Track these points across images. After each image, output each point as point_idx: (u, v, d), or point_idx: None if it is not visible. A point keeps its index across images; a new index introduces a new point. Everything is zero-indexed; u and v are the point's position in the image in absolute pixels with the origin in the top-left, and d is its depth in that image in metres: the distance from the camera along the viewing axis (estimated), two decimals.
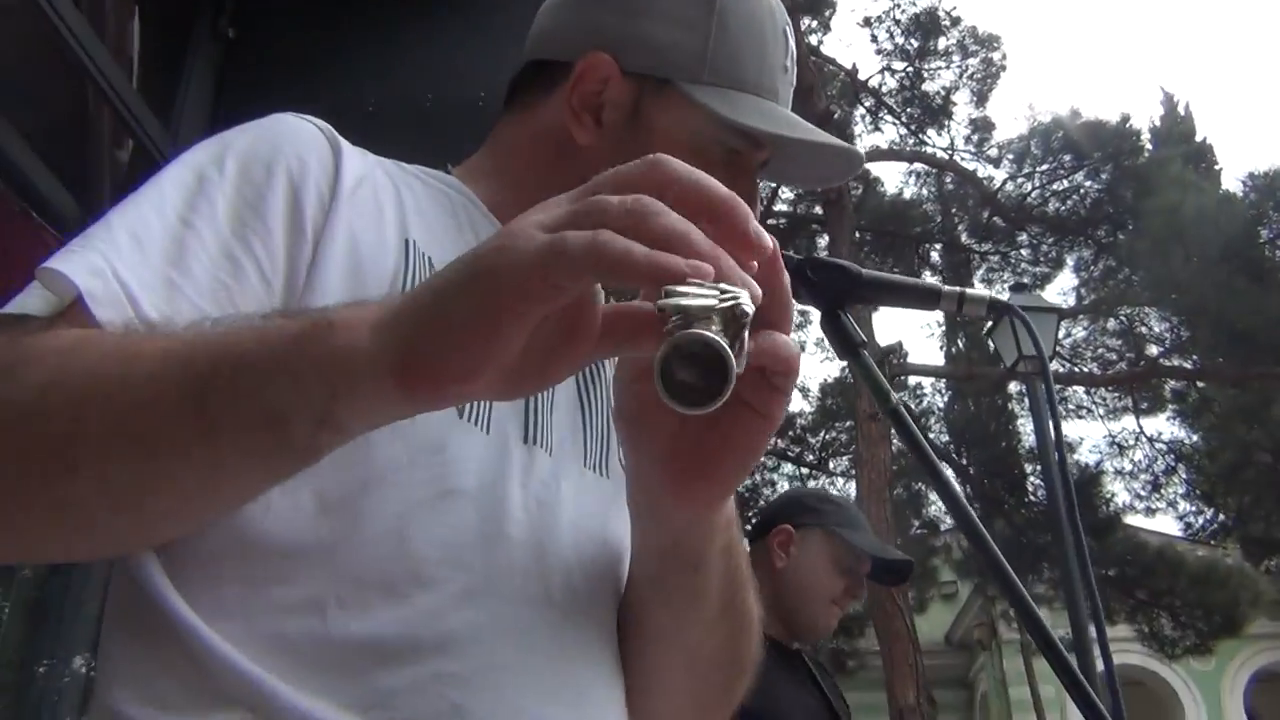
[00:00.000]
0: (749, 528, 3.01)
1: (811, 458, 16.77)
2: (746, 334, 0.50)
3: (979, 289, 0.83)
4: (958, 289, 0.85)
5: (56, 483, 0.60)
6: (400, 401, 0.56)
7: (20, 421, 0.60)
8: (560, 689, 0.76)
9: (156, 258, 0.70)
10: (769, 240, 0.53)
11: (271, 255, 0.76)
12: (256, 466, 0.61)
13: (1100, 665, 6.68)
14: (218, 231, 0.74)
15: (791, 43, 1.00)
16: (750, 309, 0.50)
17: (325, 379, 0.55)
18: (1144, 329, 14.96)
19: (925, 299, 0.87)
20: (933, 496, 16.33)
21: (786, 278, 0.58)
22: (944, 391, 16.96)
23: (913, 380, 16.39)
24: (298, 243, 0.77)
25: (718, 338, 0.47)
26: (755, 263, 0.55)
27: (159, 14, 3.04)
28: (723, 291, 0.49)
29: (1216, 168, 16.35)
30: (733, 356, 0.46)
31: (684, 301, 0.48)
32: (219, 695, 0.66)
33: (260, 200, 0.77)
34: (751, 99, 0.93)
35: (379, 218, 0.84)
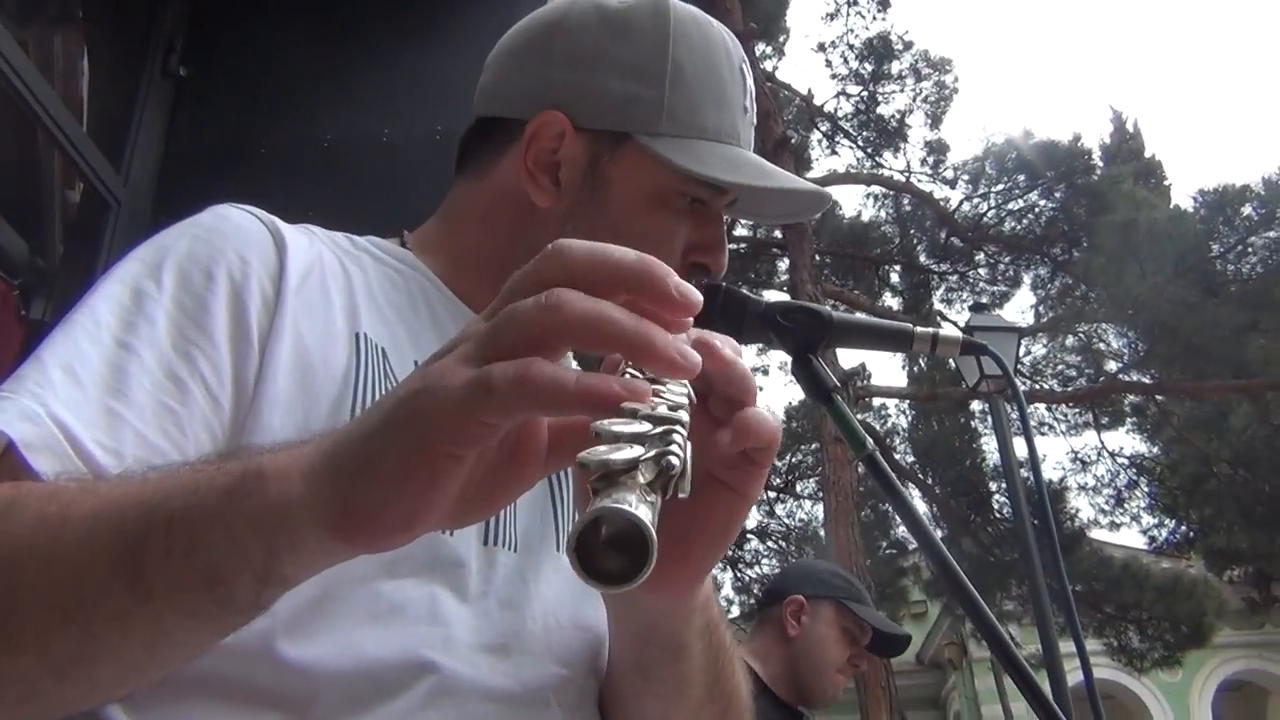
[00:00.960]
0: (760, 595, 3.19)
1: (778, 481, 16.79)
2: (688, 462, 0.47)
3: (950, 331, 0.82)
4: (930, 330, 0.84)
5: None
6: (342, 550, 0.53)
7: None
8: None
9: (95, 389, 0.67)
10: (695, 294, 0.51)
11: (217, 370, 0.73)
12: (200, 626, 0.57)
13: (1071, 680, 6.72)
14: (159, 352, 0.71)
15: (749, 80, 0.97)
16: (680, 452, 0.46)
17: (261, 536, 0.52)
18: (1102, 345, 15.17)
19: (898, 341, 0.85)
20: (900, 517, 16.35)
21: (734, 354, 0.56)
22: (908, 412, 17.07)
23: (877, 401, 16.49)
24: (244, 352, 0.75)
25: (640, 503, 0.42)
26: (690, 319, 0.52)
27: (108, 53, 3.00)
28: (656, 423, 0.46)
29: (1166, 183, 16.65)
30: (654, 532, 0.42)
31: (607, 455, 0.44)
32: None
33: (202, 310, 0.74)
34: (713, 146, 0.90)
35: (328, 312, 0.81)
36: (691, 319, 0.52)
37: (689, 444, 0.48)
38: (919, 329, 0.84)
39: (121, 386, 0.68)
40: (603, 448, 0.44)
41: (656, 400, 0.49)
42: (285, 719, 0.67)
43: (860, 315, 0.87)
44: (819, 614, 2.72)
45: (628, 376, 0.49)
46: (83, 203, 2.84)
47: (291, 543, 0.52)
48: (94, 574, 0.55)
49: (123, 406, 0.67)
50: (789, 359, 0.83)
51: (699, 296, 0.51)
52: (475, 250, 0.94)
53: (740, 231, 15.58)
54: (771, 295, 0.88)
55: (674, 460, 0.45)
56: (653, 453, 0.45)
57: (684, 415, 0.48)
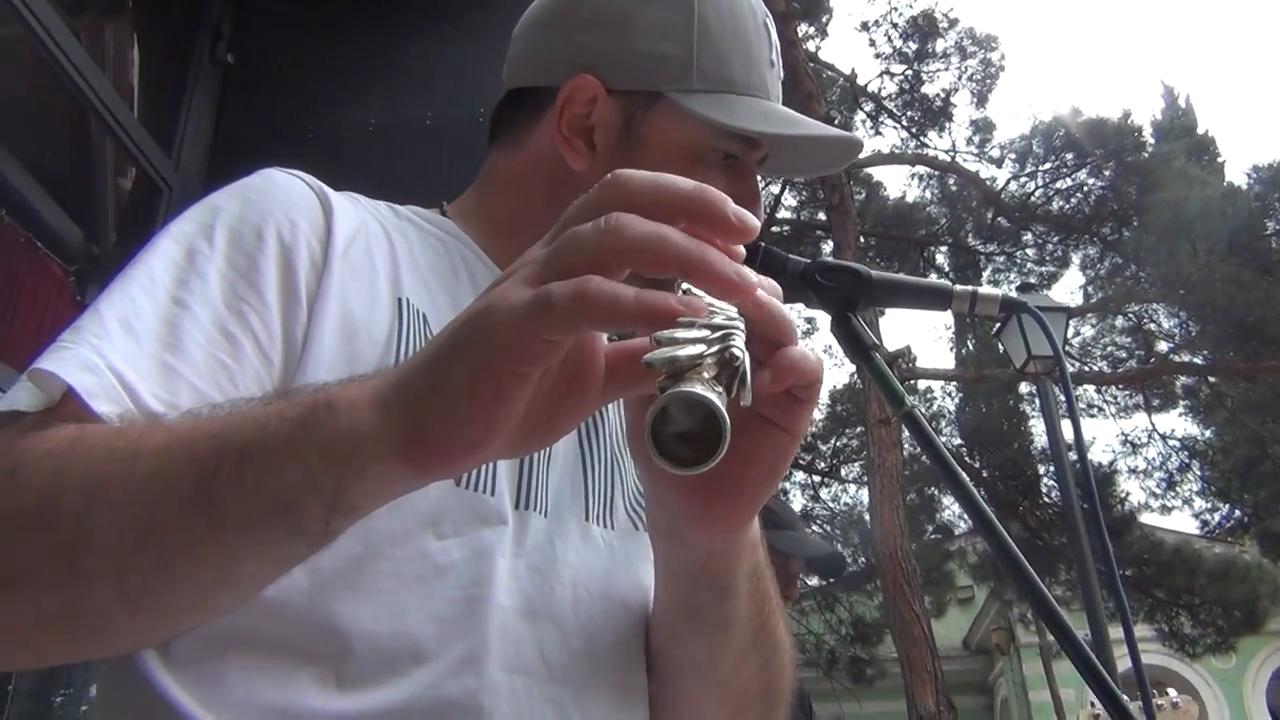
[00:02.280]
0: None
1: (823, 465, 16.72)
2: (747, 367, 0.49)
3: (990, 288, 0.81)
4: (970, 288, 0.84)
5: (70, 590, 0.58)
6: (411, 477, 0.55)
7: (25, 530, 0.58)
8: None
9: (150, 343, 0.69)
10: (751, 220, 0.52)
11: (268, 328, 0.75)
12: (272, 554, 0.59)
13: (1121, 665, 6.64)
14: (212, 308, 0.73)
15: (774, 35, 0.98)
16: (741, 351, 0.48)
17: (332, 465, 0.54)
18: (1153, 325, 14.91)
19: (937, 299, 0.85)
20: (946, 501, 16.28)
21: (775, 296, 0.56)
22: (954, 394, 16.90)
23: (923, 384, 16.35)
24: (293, 311, 0.76)
25: (708, 391, 0.44)
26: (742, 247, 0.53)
27: (158, 43, 3.05)
28: (714, 330, 0.48)
29: (1220, 160, 16.32)
30: (725, 412, 0.44)
31: (673, 352, 0.46)
32: None
33: (253, 269, 0.76)
34: (743, 100, 0.91)
35: (372, 277, 0.82)
36: (744, 249, 0.53)
37: (747, 354, 0.49)
38: (958, 287, 0.84)
39: (176, 341, 0.70)
40: (669, 339, 0.46)
41: (713, 313, 0.50)
42: (319, 674, 0.69)
43: (899, 275, 0.87)
44: None
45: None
46: (135, 189, 2.90)
47: (361, 470, 0.54)
48: (168, 503, 0.56)
49: (178, 361, 0.69)
50: (830, 323, 0.84)
51: (756, 222, 0.52)
52: (513, 216, 0.95)
53: (784, 214, 15.51)
54: None
55: (736, 353, 0.47)
56: (716, 349, 0.46)
57: (740, 324, 0.50)
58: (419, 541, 0.74)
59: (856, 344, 0.81)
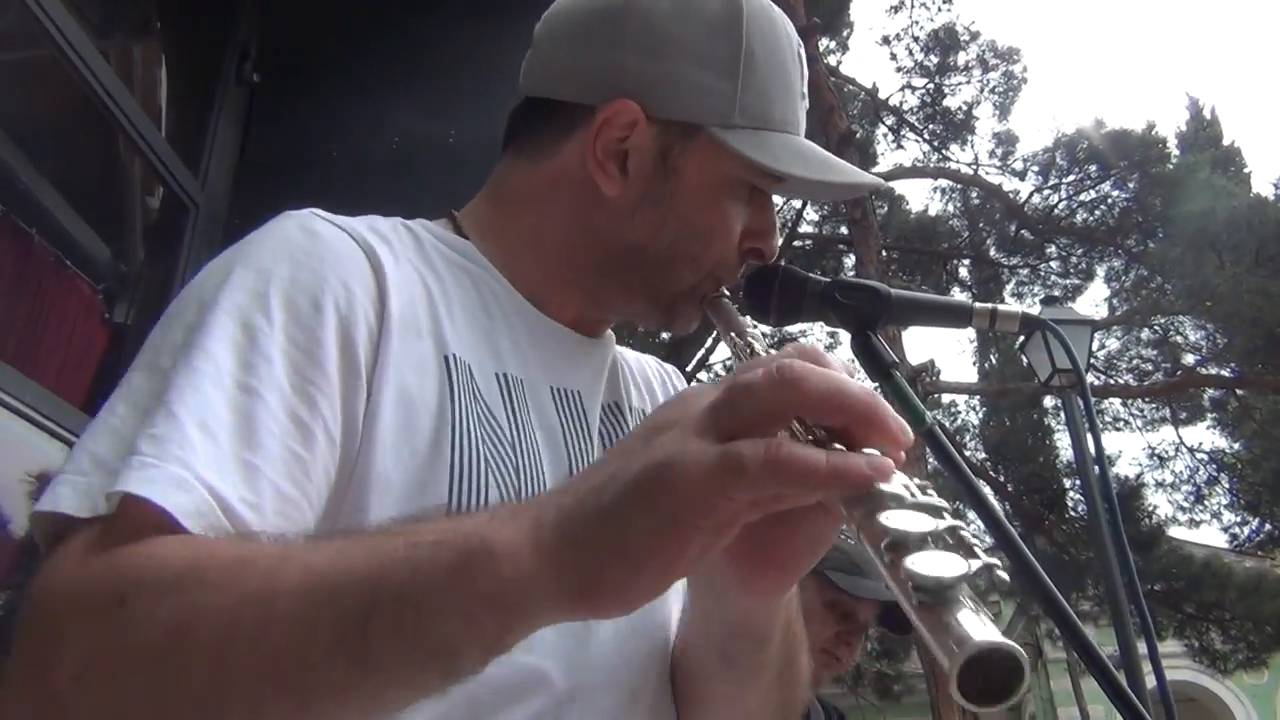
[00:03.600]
0: None
1: None
2: (977, 546, 0.49)
3: (1011, 304, 0.82)
4: (989, 306, 0.84)
5: None
6: (576, 617, 0.55)
7: (153, 664, 0.56)
8: None
9: (229, 442, 0.66)
10: (909, 432, 0.54)
11: (334, 409, 0.73)
12: (418, 694, 0.58)
13: (1150, 681, 6.56)
14: (281, 394, 0.70)
15: (805, 65, 0.97)
16: (969, 533, 0.49)
17: (498, 615, 0.54)
18: (1179, 338, 14.78)
19: (957, 317, 0.85)
20: (970, 515, 16.12)
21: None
22: (978, 408, 16.80)
23: (946, 398, 16.26)
24: (353, 387, 0.75)
25: (1007, 639, 0.44)
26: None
27: (185, 63, 3.09)
28: (932, 512, 0.49)
29: (1246, 171, 16.22)
30: (1027, 661, 0.44)
31: (938, 574, 0.46)
32: None
33: (314, 344, 0.73)
34: (780, 137, 0.90)
35: (420, 338, 0.81)
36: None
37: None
38: (978, 304, 0.84)
39: (252, 436, 0.67)
40: (927, 567, 0.46)
41: (901, 483, 0.51)
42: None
43: (919, 293, 0.87)
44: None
45: (858, 452, 0.52)
46: (162, 208, 2.93)
47: (527, 616, 0.54)
48: (313, 648, 0.55)
49: (257, 458, 0.67)
50: (850, 341, 0.84)
51: (911, 435, 0.54)
52: (535, 235, 0.94)
53: (806, 228, 15.49)
54: None
55: (1003, 575, 0.48)
56: (977, 566, 0.47)
57: (945, 504, 0.51)
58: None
59: (876, 362, 0.82)
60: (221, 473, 0.64)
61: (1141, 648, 6.90)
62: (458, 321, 0.85)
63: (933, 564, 0.46)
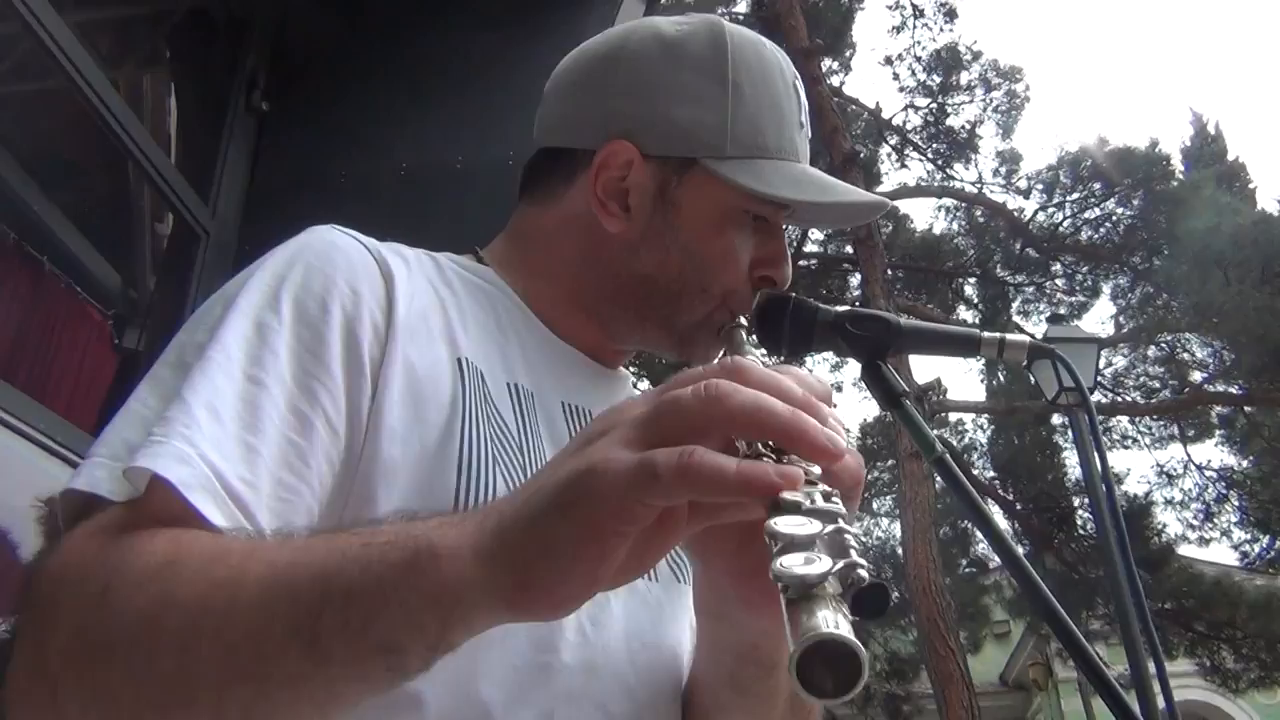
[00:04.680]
0: None
1: None
2: (865, 575, 0.51)
3: (1017, 336, 0.83)
4: (997, 335, 0.85)
5: (172, 714, 0.60)
6: (511, 620, 0.57)
7: (130, 655, 0.60)
8: None
9: (233, 425, 0.71)
10: (841, 441, 0.56)
11: (336, 404, 0.76)
12: (369, 687, 0.61)
13: (1162, 702, 6.51)
14: (284, 386, 0.75)
15: (803, 96, 0.99)
16: (854, 537, 0.51)
17: (438, 612, 0.56)
18: (1186, 355, 14.76)
19: (965, 347, 0.86)
20: (979, 535, 16.08)
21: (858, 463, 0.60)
22: (986, 427, 16.76)
23: (954, 416, 16.25)
24: (358, 383, 0.78)
25: (847, 629, 0.47)
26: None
27: (194, 91, 3.12)
28: (822, 518, 0.51)
29: (1251, 187, 16.19)
30: (865, 654, 0.46)
31: (802, 572, 0.48)
32: None
33: (319, 343, 0.77)
34: (775, 164, 0.93)
35: (431, 340, 0.84)
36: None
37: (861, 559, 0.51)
38: (985, 334, 0.85)
39: (255, 422, 0.72)
40: (796, 565, 0.49)
41: (810, 489, 0.53)
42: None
43: (928, 322, 0.88)
44: None
45: (772, 460, 0.54)
46: (172, 235, 2.95)
47: (466, 616, 0.57)
48: (271, 639, 0.58)
49: (258, 441, 0.71)
50: (860, 371, 0.85)
51: (844, 443, 0.56)
52: (549, 271, 0.97)
53: (811, 248, 15.52)
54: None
55: (863, 574, 0.49)
56: (840, 565, 0.49)
57: (840, 507, 0.53)
58: None
59: (887, 391, 0.82)
60: (222, 451, 0.69)
61: (1153, 667, 6.84)
62: (471, 332, 0.88)
63: (801, 564, 0.48)
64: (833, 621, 0.46)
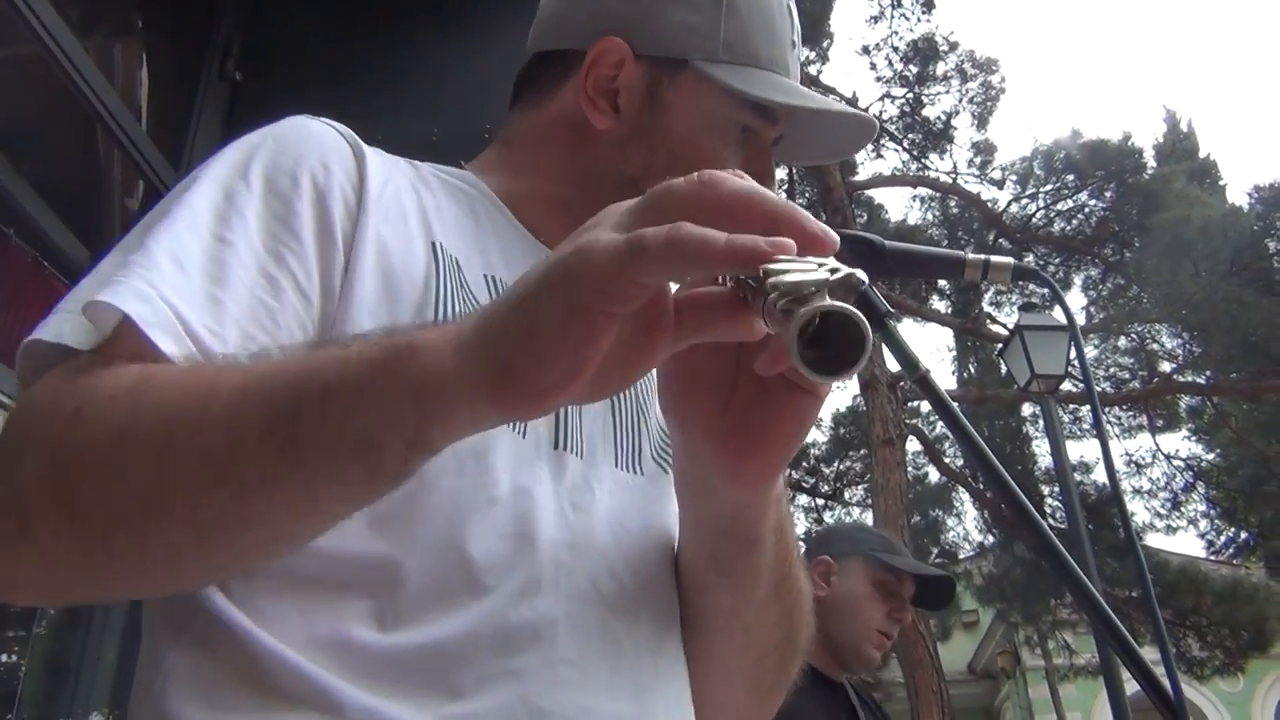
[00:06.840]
0: None
1: (826, 488, 16.69)
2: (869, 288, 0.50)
3: (1002, 257, 0.83)
4: (982, 257, 0.86)
5: (146, 528, 0.59)
6: (494, 416, 0.56)
7: (97, 467, 0.59)
8: (621, 684, 0.77)
9: (198, 277, 0.69)
10: (832, 233, 0.54)
11: (306, 270, 0.75)
12: (347, 493, 0.60)
13: (1130, 689, 6.59)
14: (253, 248, 0.73)
15: (796, 18, 1.01)
16: (865, 278, 0.49)
17: (416, 404, 0.55)
18: (1156, 346, 14.91)
19: (949, 268, 0.87)
20: (951, 523, 16.23)
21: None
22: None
23: (925, 406, 16.33)
24: (329, 253, 0.77)
25: (856, 311, 0.46)
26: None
27: (167, 61, 3.08)
28: (819, 264, 0.49)
29: (1221, 183, 16.38)
30: (867, 322, 0.45)
31: (795, 278, 0.47)
32: (285, 697, 0.65)
33: (289, 212, 0.77)
34: (766, 74, 0.94)
35: (404, 222, 0.84)
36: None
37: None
38: (970, 255, 0.86)
39: (223, 276, 0.70)
40: (792, 272, 0.47)
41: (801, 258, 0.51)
42: (375, 608, 0.70)
43: (913, 245, 0.89)
44: (848, 571, 2.59)
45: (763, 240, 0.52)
46: (142, 206, 2.92)
47: (445, 409, 0.55)
48: (247, 440, 0.57)
49: (224, 295, 0.70)
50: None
51: (835, 236, 0.54)
52: (533, 170, 0.97)
53: None
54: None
55: (860, 276, 0.48)
56: (842, 273, 0.48)
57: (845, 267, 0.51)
58: (471, 474, 0.75)
59: (871, 312, 0.82)
60: (185, 297, 0.67)
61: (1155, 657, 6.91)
62: (448, 225, 0.88)
63: (797, 274, 0.47)
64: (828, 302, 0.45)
